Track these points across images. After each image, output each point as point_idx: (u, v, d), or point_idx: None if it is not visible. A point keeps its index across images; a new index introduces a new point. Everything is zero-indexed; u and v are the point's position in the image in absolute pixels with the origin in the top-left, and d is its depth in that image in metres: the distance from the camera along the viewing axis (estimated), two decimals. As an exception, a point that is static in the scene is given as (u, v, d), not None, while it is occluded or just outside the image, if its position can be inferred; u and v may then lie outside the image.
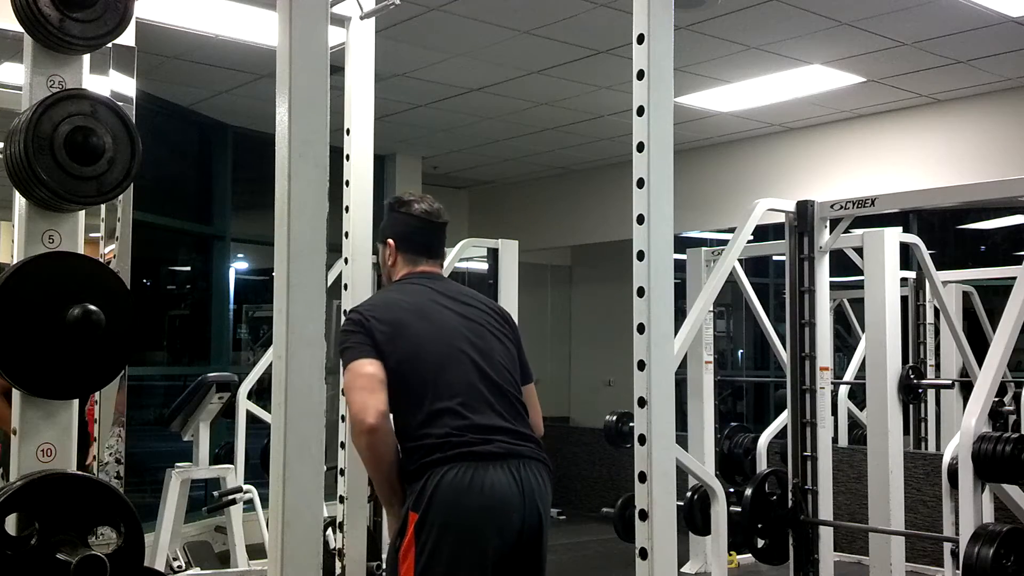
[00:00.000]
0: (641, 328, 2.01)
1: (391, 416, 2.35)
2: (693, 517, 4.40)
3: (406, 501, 2.32)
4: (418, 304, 2.46)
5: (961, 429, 3.29)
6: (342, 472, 2.93)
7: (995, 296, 6.94)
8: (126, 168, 1.53)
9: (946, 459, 4.20)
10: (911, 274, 6.42)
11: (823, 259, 4.32)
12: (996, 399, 5.06)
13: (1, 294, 1.42)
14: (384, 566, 2.45)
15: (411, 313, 2.43)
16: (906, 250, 5.07)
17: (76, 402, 1.53)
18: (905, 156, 6.84)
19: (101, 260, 3.60)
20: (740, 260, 4.90)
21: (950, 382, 5.85)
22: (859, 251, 4.77)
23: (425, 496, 2.27)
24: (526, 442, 2.40)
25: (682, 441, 4.96)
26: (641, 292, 2.01)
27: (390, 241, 2.59)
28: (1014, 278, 3.46)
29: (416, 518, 2.27)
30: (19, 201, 1.54)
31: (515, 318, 5.33)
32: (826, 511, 4.23)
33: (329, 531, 3.55)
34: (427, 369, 2.37)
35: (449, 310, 2.47)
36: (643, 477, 2.00)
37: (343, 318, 2.90)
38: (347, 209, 2.98)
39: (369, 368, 2.32)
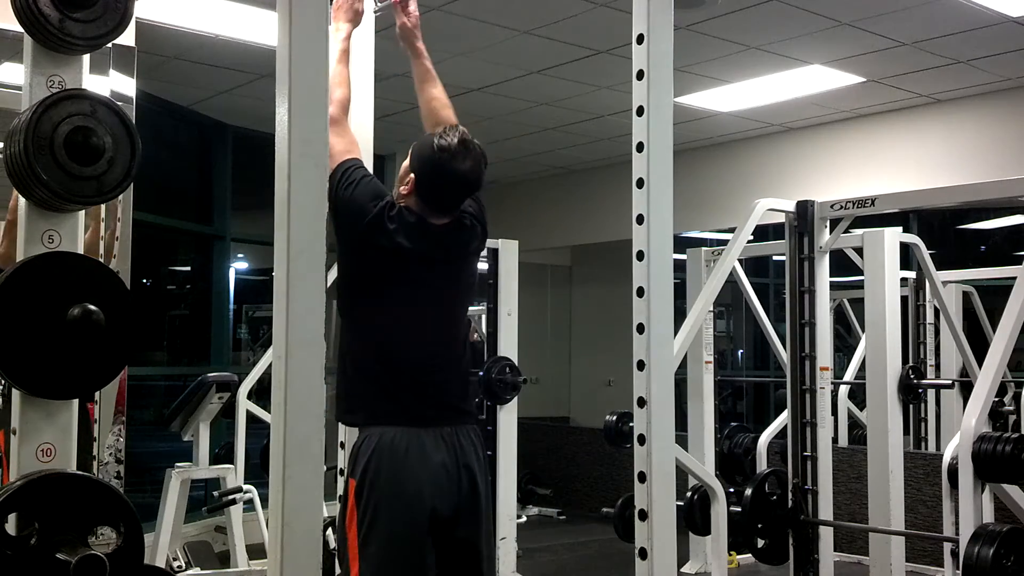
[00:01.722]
0: (641, 328, 2.01)
1: (343, 318, 2.49)
2: (693, 517, 4.40)
3: (347, 463, 2.38)
4: (417, 252, 2.44)
5: (961, 429, 3.29)
6: (342, 472, 2.93)
7: (995, 296, 6.94)
8: (126, 168, 1.53)
9: (946, 459, 4.20)
10: (911, 274, 6.42)
11: (823, 259, 4.32)
12: (996, 399, 5.06)
13: (1, 294, 1.42)
14: (335, 531, 2.47)
15: (412, 253, 2.43)
16: (906, 250, 5.07)
17: (76, 402, 1.53)
18: (905, 156, 6.84)
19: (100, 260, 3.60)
20: (740, 260, 4.90)
21: (950, 382, 5.85)
22: (859, 251, 4.77)
23: (361, 463, 2.31)
24: (463, 406, 2.46)
25: (682, 441, 4.97)
26: (641, 292, 2.01)
27: (412, 176, 2.45)
28: (1014, 278, 3.47)
29: (355, 484, 2.32)
30: (19, 201, 1.54)
31: (515, 319, 5.38)
32: (826, 511, 4.23)
33: (329, 531, 3.56)
34: (397, 308, 2.41)
35: (435, 268, 2.46)
36: (643, 477, 2.00)
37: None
38: (347, 209, 2.98)
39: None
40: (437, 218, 2.46)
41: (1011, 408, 5.87)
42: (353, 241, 2.45)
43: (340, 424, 3.01)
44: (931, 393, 6.49)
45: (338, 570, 2.89)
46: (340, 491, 2.83)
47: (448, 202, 2.48)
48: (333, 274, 3.37)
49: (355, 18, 2.68)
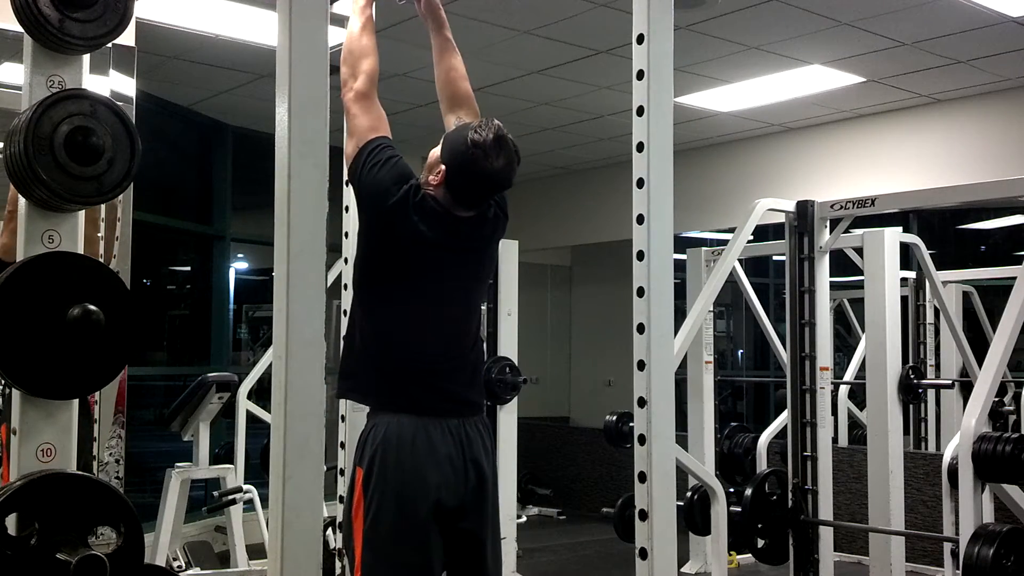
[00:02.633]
0: (641, 328, 2.01)
1: (357, 304, 2.42)
2: (693, 517, 4.40)
3: (355, 451, 2.35)
4: (437, 241, 2.39)
5: (961, 429, 3.30)
6: (342, 472, 2.93)
7: (995, 296, 6.94)
8: (126, 168, 1.53)
9: (946, 459, 4.20)
10: (911, 274, 6.42)
11: (823, 259, 4.33)
12: (996, 399, 5.06)
13: (1, 294, 1.42)
14: (340, 522, 2.45)
15: (432, 242, 2.38)
16: (906, 250, 5.08)
17: (76, 402, 1.53)
18: (905, 156, 6.84)
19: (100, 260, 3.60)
20: (740, 260, 4.90)
21: (950, 382, 5.85)
22: (859, 251, 4.78)
23: (369, 452, 2.30)
24: (471, 397, 2.43)
25: (682, 441, 4.97)
26: (641, 292, 2.01)
27: (443, 168, 2.37)
28: (1014, 278, 3.47)
29: (362, 474, 2.30)
30: (19, 201, 1.54)
31: (515, 319, 5.38)
32: (826, 511, 4.23)
33: (329, 531, 3.56)
34: (411, 296, 2.37)
35: (453, 258, 2.42)
36: (643, 477, 2.00)
37: (343, 318, 2.89)
38: (347, 209, 2.99)
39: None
40: (463, 211, 2.41)
41: (1011, 408, 5.87)
42: (373, 223, 2.40)
43: (340, 423, 3.02)
44: (931, 393, 6.49)
45: (338, 569, 2.89)
46: (341, 488, 2.84)
47: (478, 199, 2.42)
48: (333, 274, 3.38)
49: None
